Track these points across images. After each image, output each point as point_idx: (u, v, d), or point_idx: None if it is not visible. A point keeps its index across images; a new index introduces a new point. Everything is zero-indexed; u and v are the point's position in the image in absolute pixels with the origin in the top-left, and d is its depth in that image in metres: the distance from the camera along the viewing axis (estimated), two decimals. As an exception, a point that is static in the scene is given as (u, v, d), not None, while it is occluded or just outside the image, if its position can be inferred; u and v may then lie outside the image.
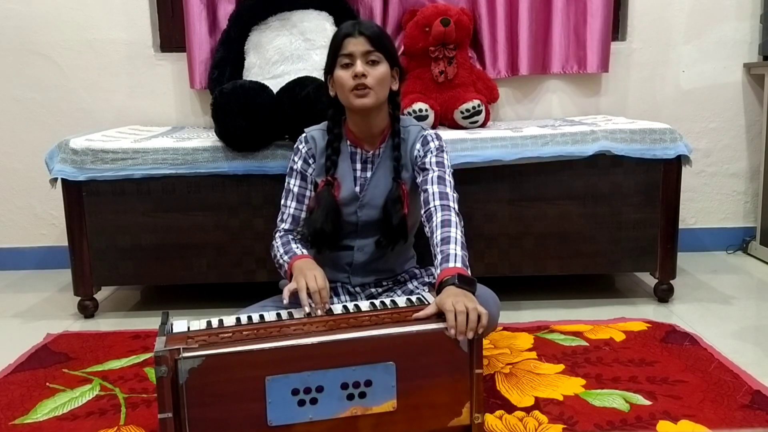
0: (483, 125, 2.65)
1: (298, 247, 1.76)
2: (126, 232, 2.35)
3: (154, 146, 2.31)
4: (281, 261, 1.75)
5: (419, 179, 1.75)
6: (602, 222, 2.38)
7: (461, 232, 1.61)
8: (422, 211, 1.70)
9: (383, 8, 2.86)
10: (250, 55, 2.69)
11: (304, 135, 1.84)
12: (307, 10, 2.69)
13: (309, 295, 1.56)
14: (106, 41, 2.95)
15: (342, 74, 1.70)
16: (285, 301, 1.60)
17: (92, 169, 2.29)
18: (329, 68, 1.74)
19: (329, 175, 1.77)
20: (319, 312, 1.54)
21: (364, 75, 1.67)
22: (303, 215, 1.82)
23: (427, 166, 1.74)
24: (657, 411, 1.66)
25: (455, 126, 2.65)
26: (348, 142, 1.81)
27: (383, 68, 1.70)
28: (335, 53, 1.71)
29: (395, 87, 1.78)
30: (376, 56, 1.69)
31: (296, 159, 1.83)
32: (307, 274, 1.60)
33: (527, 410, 1.68)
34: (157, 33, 3.01)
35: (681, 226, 2.46)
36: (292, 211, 1.82)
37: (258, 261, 2.35)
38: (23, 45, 2.95)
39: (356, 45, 1.68)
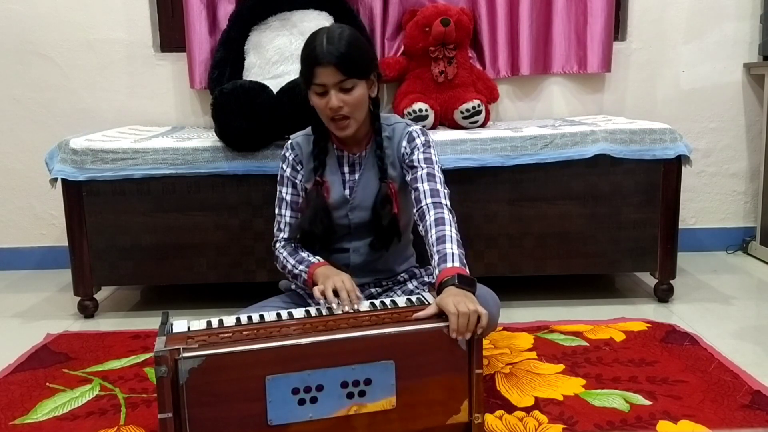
0: (483, 125, 2.65)
1: (309, 255, 1.75)
2: (126, 232, 2.35)
3: (154, 146, 2.31)
4: (296, 271, 1.73)
5: (408, 177, 1.74)
6: (602, 222, 2.38)
7: (455, 228, 1.60)
8: (414, 210, 1.69)
9: (383, 8, 2.86)
10: (250, 55, 2.69)
11: (289, 142, 1.83)
12: (307, 10, 2.70)
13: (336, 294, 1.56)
14: (106, 41, 2.95)
15: (318, 102, 1.65)
16: (319, 300, 1.58)
17: (92, 169, 2.29)
18: (305, 84, 1.67)
19: (318, 175, 1.76)
20: (347, 308, 1.53)
21: (340, 107, 1.63)
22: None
23: (415, 163, 1.72)
24: (657, 411, 1.66)
25: (455, 126, 2.65)
26: (334, 146, 1.79)
27: (360, 90, 1.64)
28: (308, 79, 1.63)
29: (374, 93, 1.72)
30: (350, 83, 1.62)
31: (284, 167, 1.81)
32: (335, 278, 1.59)
33: (527, 410, 1.68)
34: (157, 33, 3.01)
35: (681, 226, 2.46)
36: (288, 219, 1.81)
37: (258, 261, 2.35)
38: (23, 45, 2.95)
39: (327, 76, 1.60)
